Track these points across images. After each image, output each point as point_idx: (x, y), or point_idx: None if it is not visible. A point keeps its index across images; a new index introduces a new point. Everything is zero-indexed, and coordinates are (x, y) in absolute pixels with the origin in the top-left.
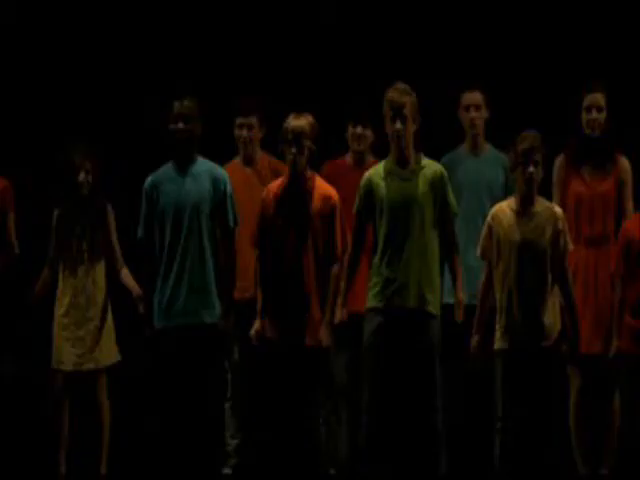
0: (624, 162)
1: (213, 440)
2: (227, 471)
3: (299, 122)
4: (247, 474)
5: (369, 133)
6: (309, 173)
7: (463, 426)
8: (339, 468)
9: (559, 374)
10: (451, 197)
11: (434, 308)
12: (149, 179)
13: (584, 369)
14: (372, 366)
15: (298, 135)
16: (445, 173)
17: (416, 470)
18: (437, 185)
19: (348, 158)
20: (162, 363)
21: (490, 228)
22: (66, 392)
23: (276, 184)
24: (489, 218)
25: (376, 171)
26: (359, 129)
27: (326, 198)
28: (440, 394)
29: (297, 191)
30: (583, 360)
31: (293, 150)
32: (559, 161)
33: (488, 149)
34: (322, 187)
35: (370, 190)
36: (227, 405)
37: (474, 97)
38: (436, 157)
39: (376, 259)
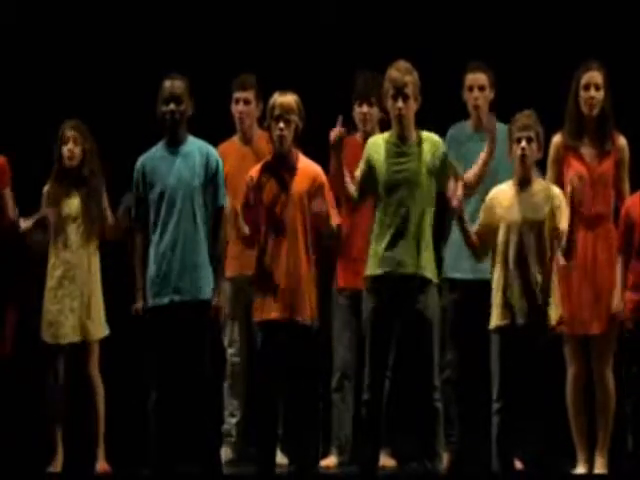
0: (622, 141)
1: (211, 420)
2: (226, 450)
3: (286, 98)
4: (245, 453)
5: (375, 111)
6: (294, 151)
7: (461, 406)
8: (342, 448)
9: (556, 353)
10: (449, 164)
11: (432, 274)
12: (140, 160)
13: (581, 351)
14: (372, 344)
15: (285, 110)
16: (442, 145)
17: (415, 449)
18: (435, 159)
19: (358, 137)
20: (155, 341)
21: (490, 207)
22: (63, 367)
23: (258, 165)
24: (489, 197)
25: (377, 145)
26: (365, 107)
27: (312, 178)
28: (437, 373)
29: (282, 168)
30: (581, 342)
31: (280, 125)
32: (556, 140)
33: (498, 129)
34: (307, 166)
35: (371, 166)
36: (225, 384)
37: (478, 78)
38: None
39: (375, 230)
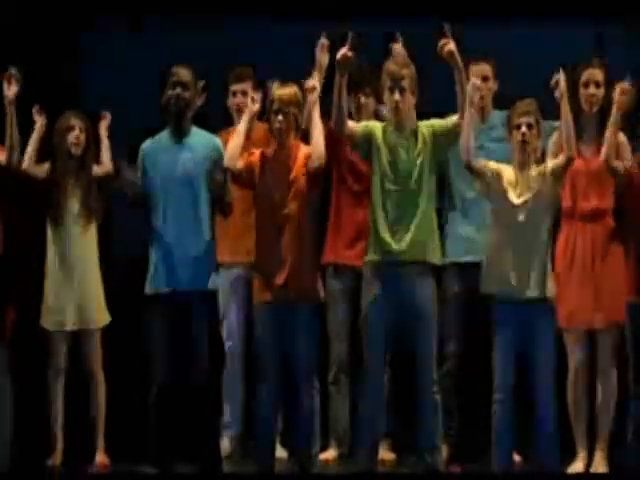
0: (620, 137)
1: (211, 410)
2: (225, 442)
3: (285, 91)
4: (244, 447)
5: (371, 102)
6: (295, 143)
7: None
8: (341, 441)
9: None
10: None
11: (434, 257)
12: (146, 144)
13: (583, 342)
14: (370, 334)
15: (284, 103)
16: (437, 119)
17: (414, 442)
18: (433, 130)
19: None
20: (156, 330)
21: (497, 168)
22: (63, 355)
23: (258, 152)
24: (494, 165)
25: (377, 129)
26: (361, 98)
27: (307, 156)
28: (435, 366)
29: (283, 160)
30: (582, 333)
31: (280, 118)
32: (556, 135)
33: (495, 115)
34: (304, 151)
35: (372, 135)
36: (224, 377)
37: (482, 69)
38: None
39: (373, 216)
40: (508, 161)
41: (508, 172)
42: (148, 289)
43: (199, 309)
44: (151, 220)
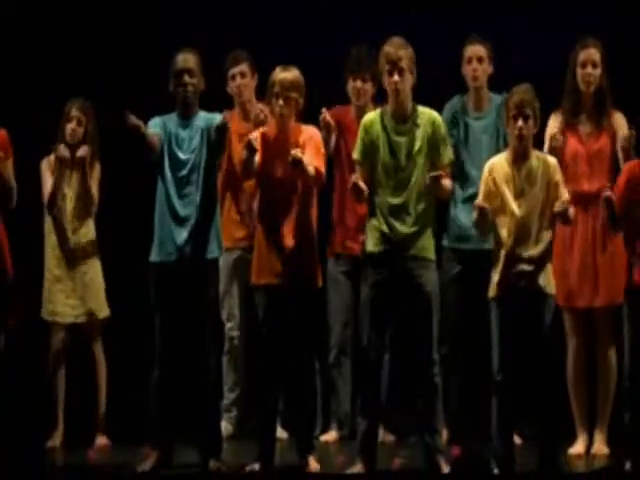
0: (618, 117)
1: (211, 394)
2: (226, 425)
3: (286, 74)
4: (245, 428)
5: (369, 87)
6: (295, 126)
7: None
8: (342, 423)
9: (557, 329)
10: (444, 146)
11: (431, 254)
12: (155, 119)
13: (581, 325)
14: (371, 321)
15: (285, 88)
16: (440, 121)
17: (414, 424)
18: (432, 135)
19: (352, 111)
20: (160, 300)
21: (488, 176)
22: (64, 345)
23: (262, 132)
24: (487, 167)
25: (374, 122)
26: (359, 83)
27: (309, 137)
28: (436, 347)
29: (283, 143)
30: (581, 316)
31: (280, 103)
32: (554, 116)
33: (491, 99)
34: (305, 132)
35: (371, 140)
36: (225, 359)
37: (477, 50)
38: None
39: (373, 206)
40: (497, 150)
41: (500, 166)
42: (154, 253)
43: (203, 277)
44: (156, 190)
